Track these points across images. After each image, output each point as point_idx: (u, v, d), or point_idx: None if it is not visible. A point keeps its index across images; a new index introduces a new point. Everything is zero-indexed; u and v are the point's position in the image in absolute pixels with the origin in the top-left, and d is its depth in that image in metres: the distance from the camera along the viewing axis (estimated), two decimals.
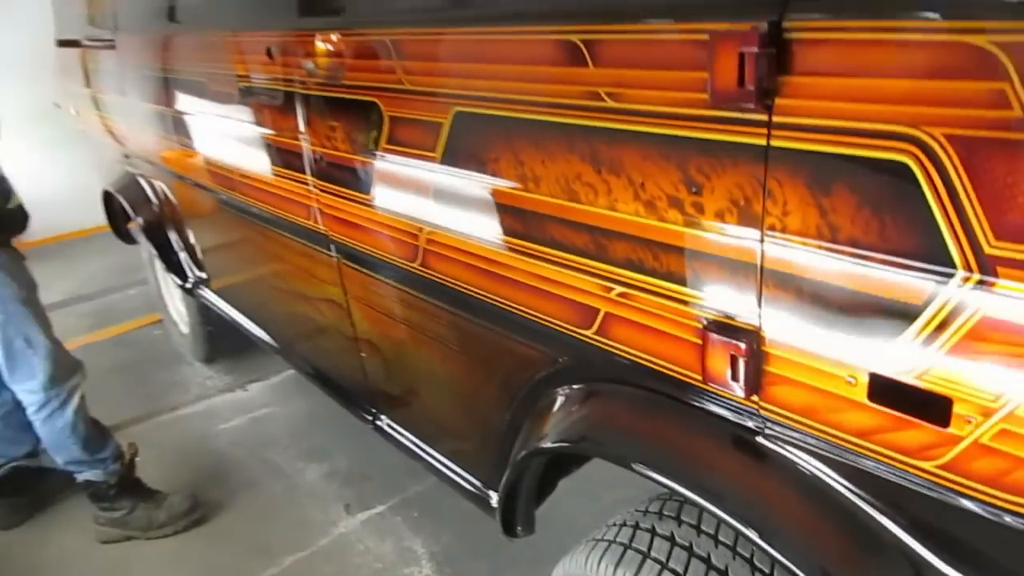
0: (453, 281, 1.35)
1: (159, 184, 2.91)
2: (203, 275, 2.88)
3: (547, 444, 1.23)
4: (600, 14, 0.96)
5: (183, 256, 2.95)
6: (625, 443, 1.14)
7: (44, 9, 3.55)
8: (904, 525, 0.83)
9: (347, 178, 1.54)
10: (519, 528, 1.45)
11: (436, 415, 1.78)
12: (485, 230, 1.23)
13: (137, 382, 3.36)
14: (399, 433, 1.88)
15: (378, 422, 1.95)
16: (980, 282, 0.66)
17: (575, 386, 1.23)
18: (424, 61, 1.28)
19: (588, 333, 1.11)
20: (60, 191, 4.73)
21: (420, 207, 1.36)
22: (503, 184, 1.15)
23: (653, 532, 1.14)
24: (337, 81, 1.47)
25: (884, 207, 0.71)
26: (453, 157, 1.24)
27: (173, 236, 2.95)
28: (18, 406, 2.26)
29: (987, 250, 0.65)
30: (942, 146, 0.66)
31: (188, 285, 2.95)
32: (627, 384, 1.12)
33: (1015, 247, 0.64)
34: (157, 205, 2.98)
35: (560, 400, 1.26)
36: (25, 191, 2.25)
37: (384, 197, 1.45)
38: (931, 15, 0.66)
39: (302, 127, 1.63)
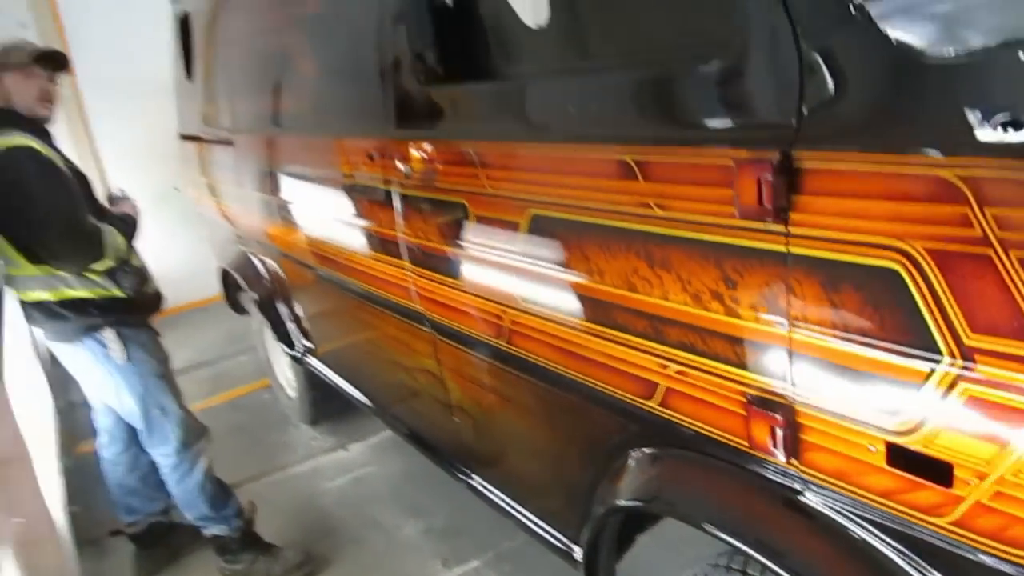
0: (535, 357, 1.53)
1: (270, 262, 3.20)
2: (309, 344, 3.14)
3: (622, 502, 1.37)
4: (647, 139, 1.14)
5: (291, 327, 3.21)
6: (692, 503, 1.28)
7: (172, 103, 3.97)
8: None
9: (439, 265, 1.75)
10: None
11: (523, 475, 1.94)
12: (560, 314, 1.40)
13: (250, 443, 3.62)
14: (490, 491, 2.03)
15: (471, 481, 2.11)
16: (964, 367, 0.80)
17: (645, 450, 1.38)
18: (504, 170, 1.47)
19: (652, 404, 1.26)
20: (180, 266, 5.14)
21: (504, 293, 1.54)
22: (573, 276, 1.33)
23: None
24: (430, 183, 1.69)
25: (883, 304, 0.86)
26: (530, 251, 1.42)
27: (282, 309, 3.23)
28: (153, 467, 2.53)
29: (966, 341, 0.79)
30: (923, 256, 0.81)
31: (296, 353, 3.21)
32: (689, 449, 1.26)
33: (988, 339, 0.77)
34: (268, 281, 3.27)
35: (632, 463, 1.40)
36: (152, 266, 2.56)
37: (472, 283, 1.65)
38: (909, 151, 0.81)
39: (399, 220, 1.85)
